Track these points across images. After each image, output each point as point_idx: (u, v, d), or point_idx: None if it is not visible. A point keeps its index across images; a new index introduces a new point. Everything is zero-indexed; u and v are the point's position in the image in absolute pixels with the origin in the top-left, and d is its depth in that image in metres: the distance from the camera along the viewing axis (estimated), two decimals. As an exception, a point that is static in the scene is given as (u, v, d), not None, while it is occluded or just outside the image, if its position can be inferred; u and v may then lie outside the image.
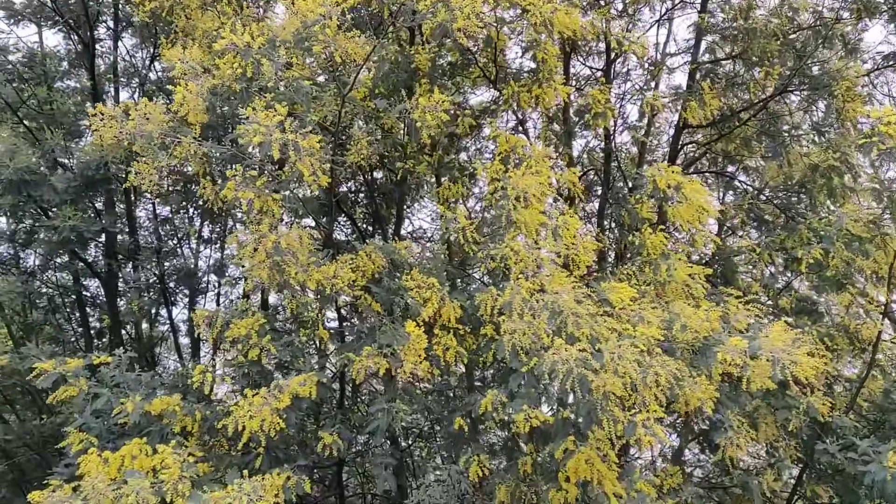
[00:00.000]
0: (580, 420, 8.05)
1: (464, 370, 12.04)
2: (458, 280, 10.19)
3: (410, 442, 16.33)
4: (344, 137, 10.75)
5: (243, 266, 8.77)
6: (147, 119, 8.55)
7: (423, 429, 16.11)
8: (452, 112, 13.37)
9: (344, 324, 11.51)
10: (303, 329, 10.26)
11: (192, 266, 16.58)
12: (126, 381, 9.56)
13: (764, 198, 13.85)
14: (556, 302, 7.72)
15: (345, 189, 15.46)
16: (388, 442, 10.90)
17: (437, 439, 15.14)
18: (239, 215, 14.85)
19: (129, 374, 9.56)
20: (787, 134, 12.98)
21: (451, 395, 12.89)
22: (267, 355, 9.65)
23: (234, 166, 8.66)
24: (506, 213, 9.01)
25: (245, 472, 8.08)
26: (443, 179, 12.62)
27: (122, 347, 10.14)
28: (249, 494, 7.69)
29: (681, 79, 13.70)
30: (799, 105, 13.16)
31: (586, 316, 7.77)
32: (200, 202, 16.24)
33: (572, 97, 12.74)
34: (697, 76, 13.23)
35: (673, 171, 10.14)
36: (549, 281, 8.52)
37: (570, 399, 8.16)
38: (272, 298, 14.52)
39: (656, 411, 7.55)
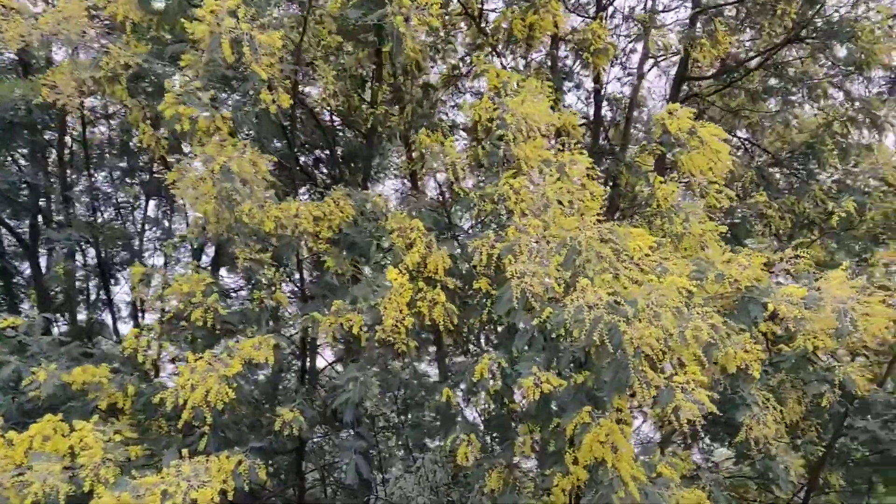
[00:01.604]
0: (596, 387, 6.66)
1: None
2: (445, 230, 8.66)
3: (375, 432, 14.81)
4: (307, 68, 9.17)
5: (185, 202, 7.13)
6: (65, 19, 6.90)
7: (392, 417, 14.60)
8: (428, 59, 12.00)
9: (307, 282, 9.88)
10: (257, 291, 8.67)
11: (133, 232, 14.78)
12: (41, 347, 7.87)
13: (769, 159, 12.70)
14: (577, 238, 6.28)
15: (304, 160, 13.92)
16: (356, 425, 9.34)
17: (407, 426, 13.61)
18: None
19: (44, 339, 7.86)
20: (797, 84, 11.77)
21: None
22: (216, 319, 8.05)
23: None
24: (503, 146, 7.57)
25: (185, 451, 6.48)
26: (416, 133, 11.09)
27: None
28: (190, 479, 6.12)
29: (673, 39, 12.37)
30: (811, 54, 11.94)
31: (611, 256, 6.35)
32: (145, 177, 14.60)
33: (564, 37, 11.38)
34: (699, 24, 11.97)
35: (686, 114, 8.88)
36: (556, 223, 7.08)
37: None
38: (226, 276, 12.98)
39: (695, 373, 6.17)
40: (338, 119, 13.67)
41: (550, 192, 7.21)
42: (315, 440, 13.26)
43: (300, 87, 10.85)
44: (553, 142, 8.80)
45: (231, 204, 6.74)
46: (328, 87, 9.35)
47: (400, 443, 15.48)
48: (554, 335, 6.31)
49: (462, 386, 8.02)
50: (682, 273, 6.89)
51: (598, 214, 8.04)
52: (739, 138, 13.21)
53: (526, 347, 6.49)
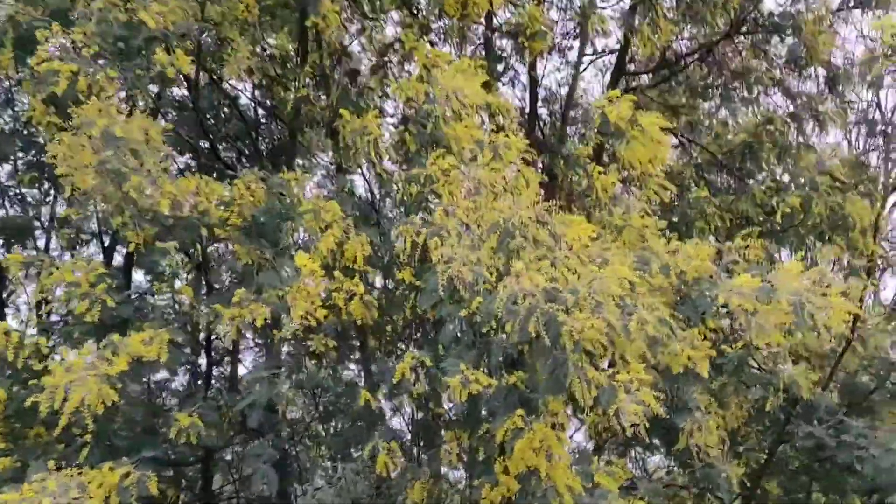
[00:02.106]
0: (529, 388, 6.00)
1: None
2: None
3: (296, 441, 13.90)
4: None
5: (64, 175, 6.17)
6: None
7: (311, 424, 13.72)
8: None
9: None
10: (157, 283, 7.75)
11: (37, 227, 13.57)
12: None
13: (708, 158, 12.38)
14: (511, 219, 5.61)
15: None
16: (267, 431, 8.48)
17: (329, 434, 12.78)
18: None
19: None
20: (737, 79, 11.46)
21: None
22: (104, 312, 7.08)
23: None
24: (431, 124, 6.89)
25: (51, 463, 5.56)
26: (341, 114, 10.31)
27: None
28: (56, 496, 5.20)
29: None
30: (751, 48, 11.64)
31: (549, 242, 5.70)
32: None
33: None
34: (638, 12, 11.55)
35: (627, 102, 8.34)
36: (489, 206, 6.42)
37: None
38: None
39: (639, 371, 5.56)
40: (262, 112, 12.94)
41: (483, 174, 6.53)
42: (236, 450, 12.36)
43: (217, 70, 10.05)
44: (486, 123, 8.17)
45: (117, 178, 5.84)
46: (243, 62, 8.51)
47: (321, 453, 14.66)
48: (485, 329, 5.63)
49: (384, 389, 7.29)
50: (625, 264, 6.30)
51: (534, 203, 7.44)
52: (678, 134, 12.85)
53: (453, 343, 5.78)
